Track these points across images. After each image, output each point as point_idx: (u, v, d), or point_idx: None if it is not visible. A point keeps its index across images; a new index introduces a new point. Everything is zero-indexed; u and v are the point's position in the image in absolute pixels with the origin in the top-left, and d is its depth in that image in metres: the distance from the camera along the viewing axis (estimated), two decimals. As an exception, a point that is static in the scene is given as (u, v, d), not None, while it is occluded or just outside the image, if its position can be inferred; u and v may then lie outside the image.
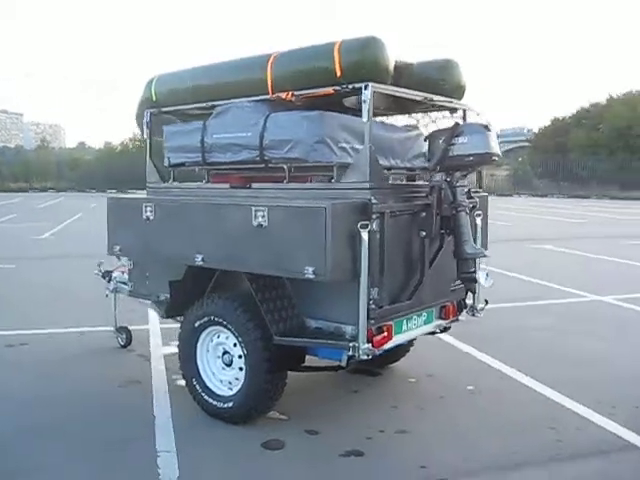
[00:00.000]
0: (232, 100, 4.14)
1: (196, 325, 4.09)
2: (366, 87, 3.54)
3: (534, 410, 4.25)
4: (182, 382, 4.72)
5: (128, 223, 4.41)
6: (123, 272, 5.82)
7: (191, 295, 4.29)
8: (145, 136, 4.74)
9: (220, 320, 3.94)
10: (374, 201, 3.48)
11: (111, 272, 5.96)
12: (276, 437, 3.80)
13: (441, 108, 4.44)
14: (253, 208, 3.63)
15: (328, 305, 3.74)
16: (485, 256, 3.86)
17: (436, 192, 3.85)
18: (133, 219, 4.35)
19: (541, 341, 5.95)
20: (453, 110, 4.43)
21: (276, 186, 4.02)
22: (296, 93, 3.84)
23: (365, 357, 3.53)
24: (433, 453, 3.61)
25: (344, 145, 3.79)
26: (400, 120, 4.65)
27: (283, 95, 3.88)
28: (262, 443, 3.73)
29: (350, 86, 3.62)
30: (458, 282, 4.37)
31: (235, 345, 3.97)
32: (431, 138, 3.93)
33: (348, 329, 3.66)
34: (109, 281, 5.87)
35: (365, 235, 3.41)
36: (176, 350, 5.54)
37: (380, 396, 4.55)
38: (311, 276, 3.40)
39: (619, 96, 44.14)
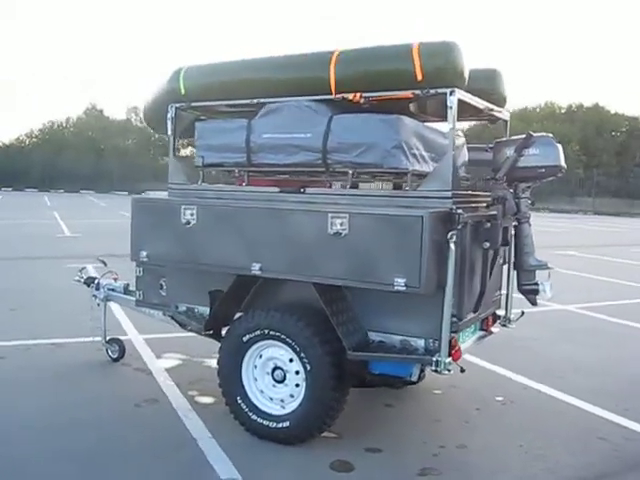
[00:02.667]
0: (285, 98, 3.88)
1: (245, 340, 3.78)
2: (452, 93, 3.43)
3: (573, 420, 4.30)
4: (203, 399, 4.45)
5: (160, 227, 4.01)
6: (115, 279, 5.38)
7: (233, 307, 3.99)
8: (169, 132, 4.34)
9: (277, 334, 3.67)
10: (460, 211, 3.37)
11: (95, 279, 5.48)
12: (339, 457, 3.59)
13: (481, 118, 4.41)
14: (330, 215, 3.41)
15: (395, 318, 3.58)
16: (549, 268, 3.85)
17: (501, 203, 3.80)
18: (168, 223, 3.97)
19: (543, 351, 6.04)
20: (494, 121, 4.42)
21: (335, 191, 3.81)
22: (366, 95, 3.66)
23: (446, 372, 3.41)
24: (510, 468, 3.54)
25: (415, 152, 3.65)
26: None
27: (350, 96, 3.69)
28: (330, 465, 3.51)
29: (432, 91, 3.49)
30: (498, 293, 4.36)
31: (291, 361, 3.71)
32: (496, 148, 3.88)
33: (420, 342, 3.52)
34: (97, 289, 5.38)
35: (452, 245, 3.30)
36: (177, 362, 5.32)
37: (416, 409, 4.44)
38: (401, 288, 3.24)
39: (515, 111, 46.81)
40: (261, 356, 3.82)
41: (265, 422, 3.75)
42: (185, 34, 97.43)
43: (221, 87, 4.12)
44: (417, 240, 3.20)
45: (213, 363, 5.28)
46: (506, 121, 4.39)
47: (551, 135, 3.75)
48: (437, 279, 3.30)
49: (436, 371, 3.40)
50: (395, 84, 3.58)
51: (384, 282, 3.29)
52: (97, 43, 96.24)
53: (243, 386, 3.84)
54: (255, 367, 3.85)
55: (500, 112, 4.23)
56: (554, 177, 3.77)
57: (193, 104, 4.27)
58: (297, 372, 3.70)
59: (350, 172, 3.70)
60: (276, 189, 3.96)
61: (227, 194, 4.04)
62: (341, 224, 3.37)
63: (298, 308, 3.70)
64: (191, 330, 4.43)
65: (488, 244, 3.77)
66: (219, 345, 4.02)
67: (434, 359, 3.37)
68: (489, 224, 3.77)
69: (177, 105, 4.29)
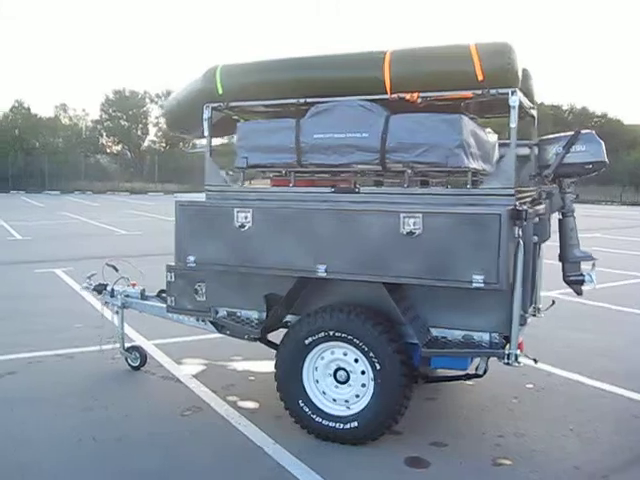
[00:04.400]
0: (335, 98, 3.86)
1: (307, 342, 3.76)
2: (514, 93, 3.51)
3: (605, 403, 4.51)
4: (246, 404, 4.40)
5: (210, 231, 3.92)
6: (134, 285, 5.21)
7: (285, 311, 3.96)
8: (206, 133, 4.22)
9: (343, 335, 3.66)
10: (525, 207, 3.47)
11: (106, 285, 5.29)
12: (409, 454, 3.63)
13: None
14: (402, 214, 3.43)
15: (457, 313, 3.65)
16: (594, 259, 4.01)
17: (548, 198, 3.93)
18: (219, 227, 3.88)
19: (548, 336, 6.23)
20: (523, 117, 4.54)
21: (394, 191, 3.82)
22: (423, 95, 3.69)
23: (517, 364, 3.51)
24: (573, 453, 3.68)
25: (472, 150, 3.71)
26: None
27: (407, 96, 3.71)
28: (404, 462, 3.55)
29: (493, 91, 3.55)
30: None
31: (357, 361, 3.71)
32: (542, 145, 4.00)
33: (484, 336, 3.61)
34: (112, 295, 5.20)
35: (521, 241, 3.39)
36: (201, 368, 5.21)
37: (458, 401, 4.54)
38: (480, 285, 3.30)
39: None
40: (323, 358, 3.81)
41: (331, 424, 3.74)
42: (110, 29, 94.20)
43: (265, 86, 4.04)
44: (495, 237, 3.26)
45: (238, 366, 5.27)
46: (534, 117, 4.52)
47: (594, 132, 3.91)
48: (510, 274, 3.39)
49: (507, 363, 3.50)
50: (454, 84, 3.63)
51: (462, 279, 3.34)
52: (22, 39, 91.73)
53: (305, 389, 3.82)
54: (316, 369, 3.83)
55: (533, 108, 4.36)
56: (598, 172, 3.93)
57: (232, 104, 4.17)
58: (363, 372, 3.71)
59: (408, 171, 3.73)
60: (327, 189, 3.93)
61: (276, 195, 3.98)
62: (414, 223, 3.40)
63: (363, 308, 3.71)
64: (231, 335, 4.36)
65: (537, 238, 3.89)
66: (253, 346, 3.97)
67: (506, 352, 3.46)
68: (538, 219, 3.89)
69: (214, 105, 4.19)
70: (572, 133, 3.88)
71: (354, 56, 3.92)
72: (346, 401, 3.78)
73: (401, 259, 3.45)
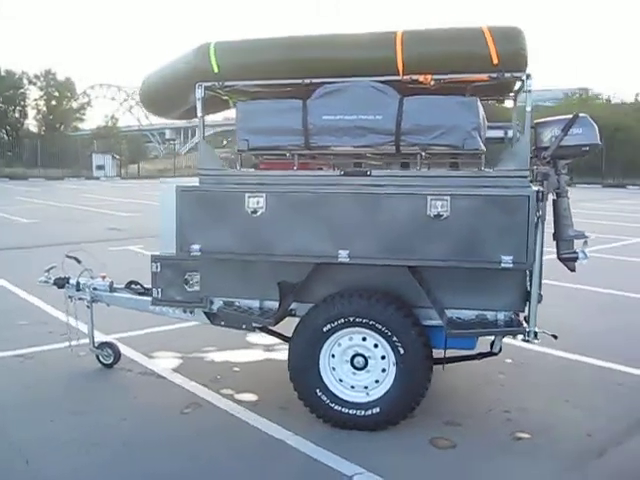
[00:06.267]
0: (343, 79, 3.75)
1: (325, 330, 3.66)
2: (528, 77, 3.57)
3: (589, 374, 4.73)
4: (244, 397, 4.27)
5: (217, 218, 3.69)
6: (104, 277, 4.84)
7: (294, 298, 3.83)
8: (199, 114, 3.96)
9: (364, 321, 3.60)
10: (542, 189, 3.56)
11: (67, 279, 4.89)
12: (432, 435, 3.65)
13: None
14: (429, 197, 3.41)
15: (471, 294, 3.70)
16: (586, 237, 4.19)
17: (545, 179, 4.06)
18: (227, 213, 3.68)
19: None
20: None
21: (405, 173, 3.79)
22: (436, 77, 3.67)
23: (536, 341, 3.61)
24: (581, 424, 3.85)
25: (482, 132, 3.75)
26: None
27: (420, 78, 3.67)
28: (430, 442, 3.57)
29: (507, 74, 3.60)
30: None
31: (376, 346, 3.67)
32: (539, 127, 4.10)
33: (500, 315, 3.68)
34: (78, 289, 4.80)
35: (541, 222, 3.49)
36: (178, 361, 4.96)
37: (450, 381, 4.61)
38: (509, 265, 3.36)
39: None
40: (340, 344, 3.73)
41: (352, 411, 3.68)
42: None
43: (267, 66, 3.85)
44: (524, 218, 3.33)
45: (215, 357, 5.09)
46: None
47: (588, 115, 4.07)
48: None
49: (527, 340, 3.60)
50: (468, 67, 3.63)
51: (490, 260, 3.38)
52: None
53: (322, 378, 3.73)
54: (333, 356, 3.75)
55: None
56: (589, 154, 4.10)
57: (227, 83, 3.94)
58: (383, 357, 3.68)
59: (422, 154, 3.71)
60: (337, 172, 3.84)
61: (288, 179, 3.81)
62: (442, 206, 3.39)
63: (382, 293, 3.66)
64: (225, 325, 4.17)
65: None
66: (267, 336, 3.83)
67: (527, 329, 3.56)
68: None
69: (207, 84, 3.93)
70: (569, 117, 4.02)
71: (364, 36, 3.83)
72: (365, 387, 3.73)
73: (428, 242, 3.44)
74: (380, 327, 3.60)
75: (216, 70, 3.92)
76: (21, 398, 4.24)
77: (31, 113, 51.43)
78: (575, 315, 6.52)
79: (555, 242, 4.20)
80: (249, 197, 3.63)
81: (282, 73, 3.85)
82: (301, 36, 3.92)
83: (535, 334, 3.57)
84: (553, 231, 4.20)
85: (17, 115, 50.49)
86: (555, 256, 3.90)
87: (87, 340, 4.90)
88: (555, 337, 3.74)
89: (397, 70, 3.70)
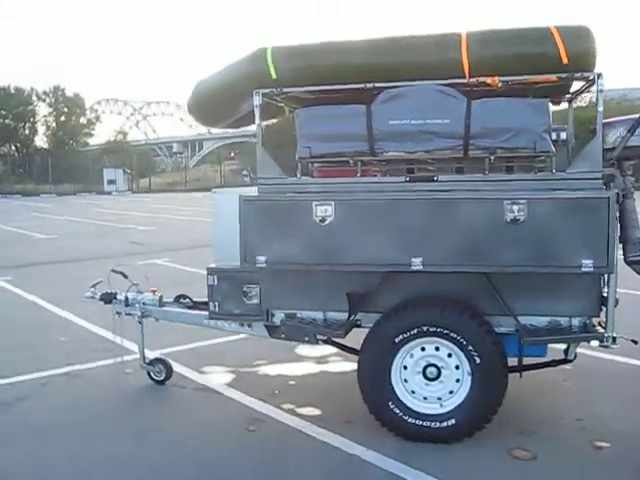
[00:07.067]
0: (407, 83, 3.67)
1: (397, 340, 3.57)
2: (599, 76, 3.47)
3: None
4: (306, 411, 4.17)
5: (283, 228, 3.61)
6: (154, 291, 4.76)
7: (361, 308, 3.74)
8: (257, 122, 3.88)
9: (439, 330, 3.50)
10: (617, 191, 3.47)
11: (115, 294, 4.80)
12: (508, 446, 3.54)
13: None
14: (506, 202, 3.31)
15: (544, 300, 3.59)
16: (654, 240, 4.08)
17: (611, 180, 3.96)
18: (294, 222, 3.59)
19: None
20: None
21: (473, 178, 3.69)
22: (504, 79, 3.58)
23: (615, 346, 3.50)
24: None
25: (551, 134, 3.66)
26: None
27: (488, 80, 3.59)
28: (508, 454, 3.46)
29: (578, 74, 3.51)
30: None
31: (450, 356, 3.57)
32: (604, 128, 4.01)
33: (574, 321, 3.58)
34: (127, 305, 4.72)
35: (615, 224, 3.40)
36: (231, 375, 4.86)
37: (512, 389, 4.50)
38: (589, 269, 3.25)
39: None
40: (412, 355, 3.63)
41: (426, 423, 3.58)
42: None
43: (328, 71, 3.78)
44: (605, 221, 3.23)
45: (268, 371, 5.00)
46: None
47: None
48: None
49: (605, 346, 3.49)
50: (538, 68, 3.55)
51: (570, 265, 3.28)
52: None
53: (394, 390, 3.63)
54: (405, 368, 3.64)
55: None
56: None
57: (285, 90, 3.87)
58: (457, 367, 3.57)
59: (491, 158, 3.61)
60: (401, 179, 3.75)
61: (347, 186, 3.72)
62: (519, 210, 3.30)
63: (455, 301, 3.57)
64: (286, 338, 4.07)
65: None
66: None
67: (606, 335, 3.45)
68: None
69: (265, 91, 3.86)
70: (635, 116, 3.93)
71: (427, 38, 3.76)
72: (439, 398, 3.63)
73: (504, 247, 3.34)
74: (455, 336, 3.50)
75: (274, 76, 3.85)
76: (75, 417, 4.17)
77: (41, 129, 51.78)
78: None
79: (622, 245, 4.11)
80: (317, 205, 3.54)
81: (344, 78, 3.77)
82: (361, 40, 3.85)
83: (614, 339, 3.47)
84: (619, 234, 4.12)
85: (27, 132, 50.81)
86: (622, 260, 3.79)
87: (132, 357, 4.84)
88: (635, 342, 3.63)
89: (463, 72, 3.62)
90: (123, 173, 47.70)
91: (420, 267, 3.43)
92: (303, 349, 5.33)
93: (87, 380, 4.87)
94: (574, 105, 4.58)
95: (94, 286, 4.89)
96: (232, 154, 59.11)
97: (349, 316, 3.70)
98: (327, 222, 3.53)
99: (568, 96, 4.37)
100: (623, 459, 3.40)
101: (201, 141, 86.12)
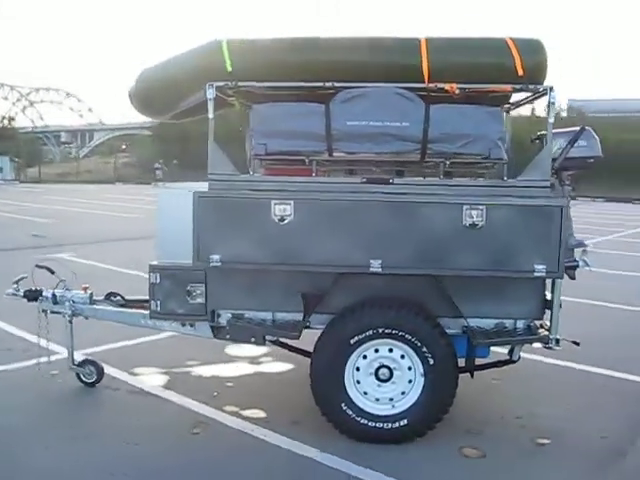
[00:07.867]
0: (365, 84, 3.66)
1: (352, 342, 3.55)
2: (551, 89, 3.62)
3: (577, 378, 4.88)
4: (250, 413, 4.08)
5: (240, 226, 3.49)
6: (85, 289, 4.47)
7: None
8: (210, 115, 3.71)
9: (394, 332, 3.52)
10: (568, 199, 3.64)
11: (40, 291, 4.48)
12: (460, 444, 3.62)
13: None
14: (465, 207, 3.38)
15: (492, 302, 3.71)
16: (585, 246, 4.33)
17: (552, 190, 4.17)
18: (252, 221, 3.48)
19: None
20: None
21: (429, 182, 3.75)
22: (461, 86, 3.65)
23: (558, 348, 3.67)
24: (593, 426, 3.96)
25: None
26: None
27: (446, 86, 3.64)
28: (458, 452, 3.54)
29: (532, 86, 3.65)
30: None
31: (403, 357, 3.60)
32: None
33: (519, 324, 3.72)
34: (55, 302, 4.40)
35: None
36: (165, 377, 4.67)
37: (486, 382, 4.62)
38: (542, 274, 3.39)
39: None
40: (366, 357, 3.62)
41: (379, 424, 3.59)
42: None
43: (285, 67, 3.70)
44: (557, 228, 3.37)
45: (202, 372, 4.85)
46: None
47: (591, 128, 4.22)
48: None
49: (549, 347, 3.65)
50: (493, 77, 3.65)
51: (523, 270, 3.40)
52: None
53: (347, 391, 3.61)
54: (357, 369, 3.63)
55: None
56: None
57: (240, 84, 3.74)
58: (409, 368, 3.61)
59: (447, 163, 3.69)
60: (357, 180, 3.74)
61: (304, 186, 3.65)
62: (477, 215, 3.38)
63: (409, 303, 3.60)
64: (231, 338, 3.96)
65: None
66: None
67: (551, 337, 3.61)
68: None
69: (219, 84, 3.71)
70: (575, 129, 4.14)
71: (387, 40, 3.77)
72: (390, 399, 3.65)
73: (463, 251, 3.41)
74: (410, 338, 3.53)
75: (229, 69, 3.73)
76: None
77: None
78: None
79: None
80: (276, 204, 3.46)
81: (301, 75, 3.71)
82: (321, 37, 3.81)
83: (557, 341, 3.64)
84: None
85: None
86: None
87: (55, 357, 4.52)
88: (577, 344, 3.83)
89: (422, 77, 3.67)
90: (9, 161, 44.74)
91: (379, 269, 3.43)
92: (232, 349, 5.22)
93: (8, 382, 4.48)
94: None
95: (17, 282, 4.53)
96: (124, 146, 57.07)
97: (304, 317, 3.64)
98: (286, 221, 3.46)
99: (507, 106, 4.53)
100: (565, 454, 3.58)
101: (92, 132, 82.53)
